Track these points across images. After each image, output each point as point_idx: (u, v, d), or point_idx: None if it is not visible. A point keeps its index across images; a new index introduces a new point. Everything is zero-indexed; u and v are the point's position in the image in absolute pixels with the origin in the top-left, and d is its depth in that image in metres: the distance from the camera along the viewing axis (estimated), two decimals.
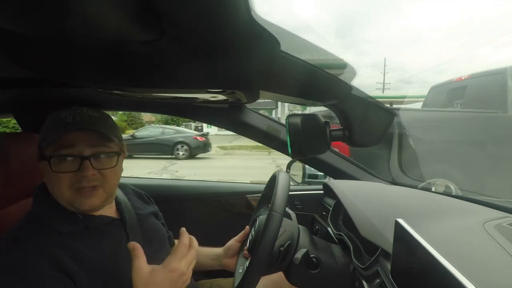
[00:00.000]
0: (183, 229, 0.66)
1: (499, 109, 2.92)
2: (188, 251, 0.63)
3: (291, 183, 1.05)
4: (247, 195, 1.40)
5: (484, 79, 3.25)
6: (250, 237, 0.85)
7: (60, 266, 0.59)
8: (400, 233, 0.53)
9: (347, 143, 0.79)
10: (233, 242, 0.95)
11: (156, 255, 0.76)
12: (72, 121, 0.65)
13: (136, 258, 0.58)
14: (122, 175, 0.76)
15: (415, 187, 1.27)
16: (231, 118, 1.22)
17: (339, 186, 1.05)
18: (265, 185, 0.96)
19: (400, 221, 0.53)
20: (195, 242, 0.66)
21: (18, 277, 0.55)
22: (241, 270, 0.84)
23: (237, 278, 0.79)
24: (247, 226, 0.96)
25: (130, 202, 0.83)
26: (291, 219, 0.86)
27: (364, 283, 0.71)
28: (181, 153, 9.88)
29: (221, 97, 0.67)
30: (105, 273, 0.64)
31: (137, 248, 0.59)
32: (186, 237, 0.64)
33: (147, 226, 0.81)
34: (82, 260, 0.62)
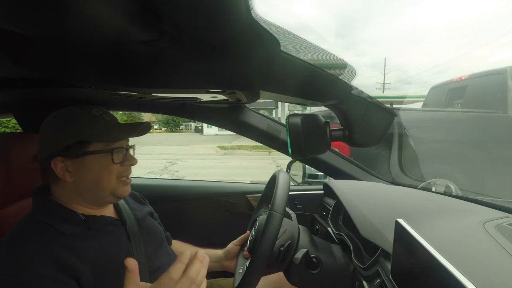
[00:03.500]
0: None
1: (499, 109, 2.92)
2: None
3: (291, 183, 1.05)
4: (247, 195, 1.40)
5: (484, 79, 3.24)
6: (250, 237, 0.85)
7: (64, 268, 0.58)
8: (400, 233, 0.53)
9: (347, 143, 0.79)
10: (232, 245, 0.96)
11: (156, 254, 0.77)
12: (110, 120, 0.71)
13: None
14: None
15: (415, 187, 1.27)
16: (231, 118, 1.22)
17: (339, 186, 1.05)
18: (265, 185, 0.96)
19: (400, 221, 0.53)
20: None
21: (18, 279, 0.55)
22: (241, 270, 0.84)
23: (237, 278, 0.79)
24: (247, 231, 0.96)
25: (127, 204, 0.84)
26: (291, 219, 0.86)
27: (364, 283, 0.71)
28: None
29: (221, 97, 0.67)
30: (108, 271, 0.64)
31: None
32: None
33: (145, 226, 0.82)
34: (86, 258, 0.62)
